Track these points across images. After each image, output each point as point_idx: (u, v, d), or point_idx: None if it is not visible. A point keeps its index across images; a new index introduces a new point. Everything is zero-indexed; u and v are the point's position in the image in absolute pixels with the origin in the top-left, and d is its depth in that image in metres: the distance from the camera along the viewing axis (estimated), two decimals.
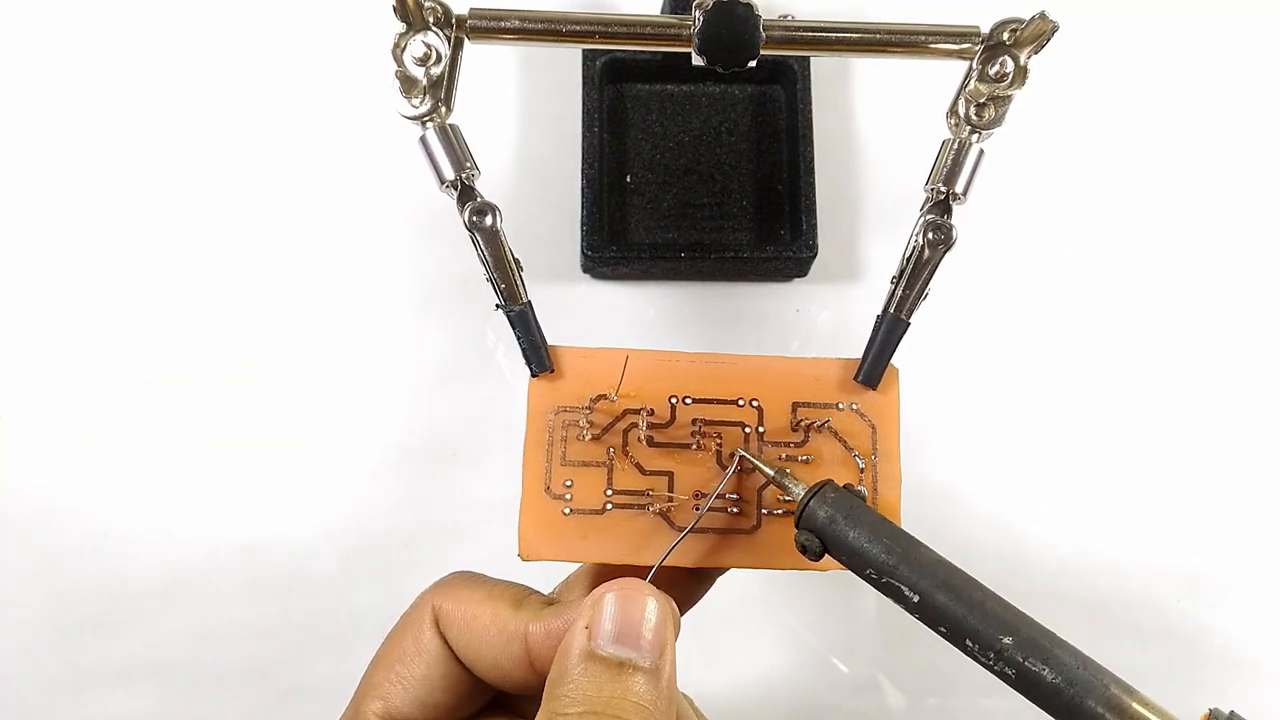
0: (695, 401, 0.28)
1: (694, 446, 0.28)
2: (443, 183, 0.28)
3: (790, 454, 0.28)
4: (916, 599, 0.24)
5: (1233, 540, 0.40)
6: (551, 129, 0.43)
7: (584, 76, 0.42)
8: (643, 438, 0.28)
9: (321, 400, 0.40)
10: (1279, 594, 0.40)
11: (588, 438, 0.28)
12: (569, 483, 0.27)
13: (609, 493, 0.28)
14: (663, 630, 0.24)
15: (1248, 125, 0.44)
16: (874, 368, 0.27)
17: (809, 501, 0.25)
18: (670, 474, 0.28)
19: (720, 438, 0.28)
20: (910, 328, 0.27)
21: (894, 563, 0.24)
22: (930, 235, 0.28)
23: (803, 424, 0.28)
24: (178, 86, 0.43)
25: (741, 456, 0.27)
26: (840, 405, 0.28)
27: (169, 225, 0.42)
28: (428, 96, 0.28)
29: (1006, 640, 0.23)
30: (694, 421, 0.28)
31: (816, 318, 0.41)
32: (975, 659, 0.24)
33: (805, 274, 0.41)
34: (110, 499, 0.39)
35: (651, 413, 0.28)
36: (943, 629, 0.24)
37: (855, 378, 0.28)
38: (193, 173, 0.42)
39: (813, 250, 0.40)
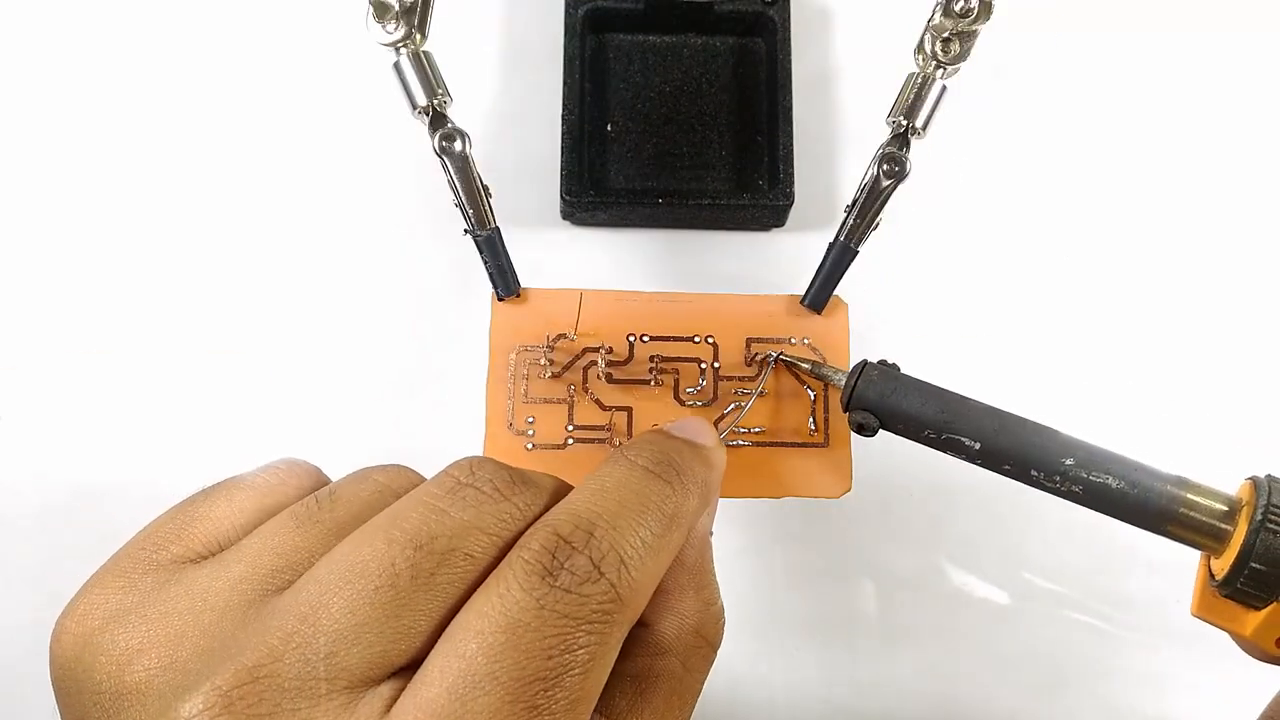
0: (653, 339, 0.29)
1: (652, 383, 0.29)
2: (415, 108, 0.29)
3: (745, 388, 0.28)
4: (978, 445, 0.25)
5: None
6: (533, 79, 0.43)
7: (566, 25, 0.42)
8: (602, 375, 0.28)
9: (323, 400, 0.40)
10: None
11: (549, 376, 0.28)
12: (531, 419, 0.28)
13: (570, 428, 0.28)
14: None
15: (1235, 118, 0.44)
16: (820, 293, 0.28)
17: (855, 384, 0.26)
18: (629, 409, 0.28)
19: (678, 373, 0.29)
20: (858, 256, 0.28)
21: (949, 419, 0.25)
22: (885, 167, 0.28)
23: (757, 358, 0.28)
24: (143, 42, 0.43)
25: (779, 358, 0.28)
26: (792, 339, 0.28)
27: (168, 223, 0.41)
28: (401, 23, 0.28)
29: (1069, 461, 0.25)
30: (652, 358, 0.29)
31: (793, 267, 0.42)
32: (1042, 486, 0.25)
33: (783, 223, 0.42)
34: (110, 498, 0.38)
35: (610, 350, 0.28)
36: (1007, 467, 0.25)
37: (802, 302, 0.29)
38: (187, 167, 0.42)
39: (789, 199, 0.40)
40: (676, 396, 0.28)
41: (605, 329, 0.29)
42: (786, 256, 0.42)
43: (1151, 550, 0.39)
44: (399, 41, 0.29)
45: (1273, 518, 0.24)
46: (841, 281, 0.29)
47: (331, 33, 0.43)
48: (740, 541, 0.39)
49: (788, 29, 0.42)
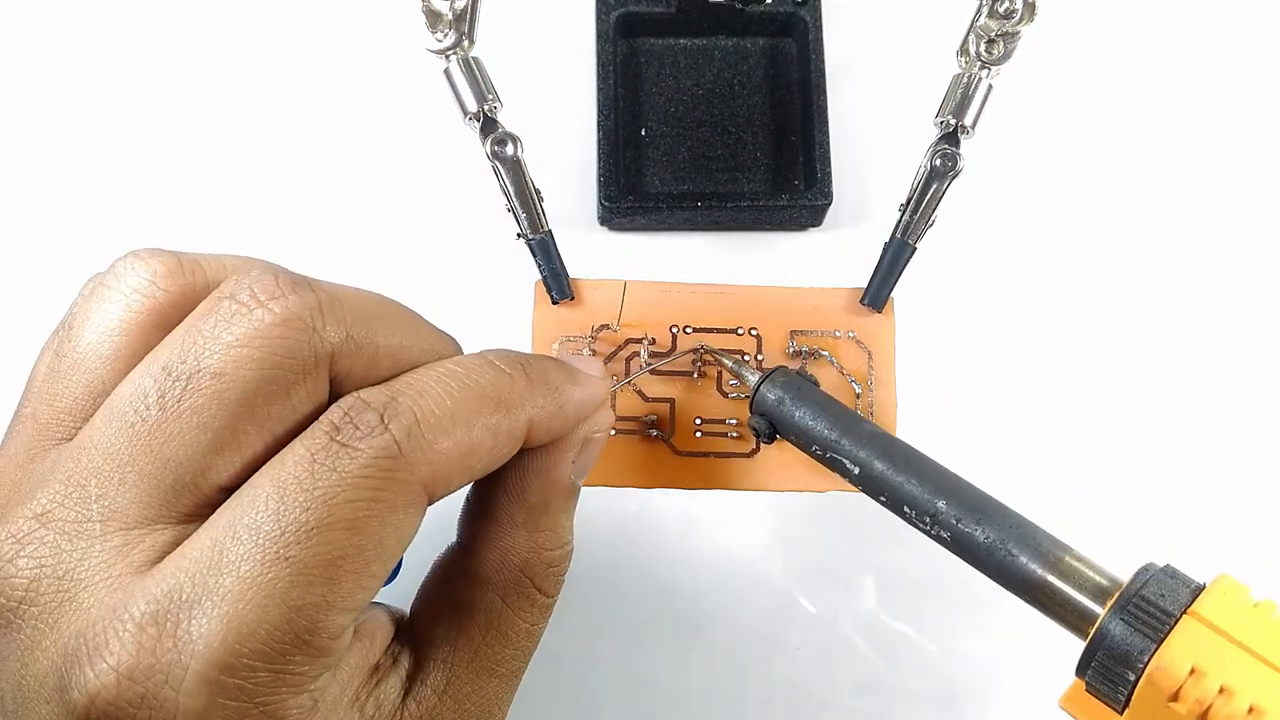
0: (696, 330, 0.29)
1: (694, 375, 0.28)
2: (466, 115, 0.29)
3: None
4: (857, 470, 0.24)
5: (1233, 542, 0.39)
6: (564, 86, 0.43)
7: (598, 30, 0.42)
8: (644, 366, 0.28)
9: None
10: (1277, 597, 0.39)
11: None
12: None
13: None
14: None
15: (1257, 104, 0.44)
16: (880, 291, 0.28)
17: (760, 386, 0.26)
18: (671, 400, 0.28)
19: (720, 365, 0.28)
20: (916, 253, 0.28)
21: (836, 437, 0.25)
22: (939, 163, 0.28)
23: (801, 351, 0.28)
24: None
25: (704, 349, 0.28)
26: (837, 333, 0.28)
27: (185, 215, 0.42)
28: (452, 30, 0.29)
29: (941, 504, 0.24)
30: (695, 350, 0.29)
31: (830, 267, 0.42)
32: (913, 525, 0.24)
33: (820, 223, 0.42)
34: None
35: (653, 341, 0.28)
36: (883, 497, 0.24)
37: (861, 300, 0.29)
38: (239, 176, 0.43)
39: (827, 198, 0.40)
40: (719, 388, 0.28)
41: (648, 320, 0.29)
42: (823, 256, 0.41)
43: (1151, 552, 0.39)
44: (449, 48, 0.29)
45: (1134, 609, 0.21)
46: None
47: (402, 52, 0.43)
48: (741, 541, 0.39)
49: (819, 29, 0.43)
